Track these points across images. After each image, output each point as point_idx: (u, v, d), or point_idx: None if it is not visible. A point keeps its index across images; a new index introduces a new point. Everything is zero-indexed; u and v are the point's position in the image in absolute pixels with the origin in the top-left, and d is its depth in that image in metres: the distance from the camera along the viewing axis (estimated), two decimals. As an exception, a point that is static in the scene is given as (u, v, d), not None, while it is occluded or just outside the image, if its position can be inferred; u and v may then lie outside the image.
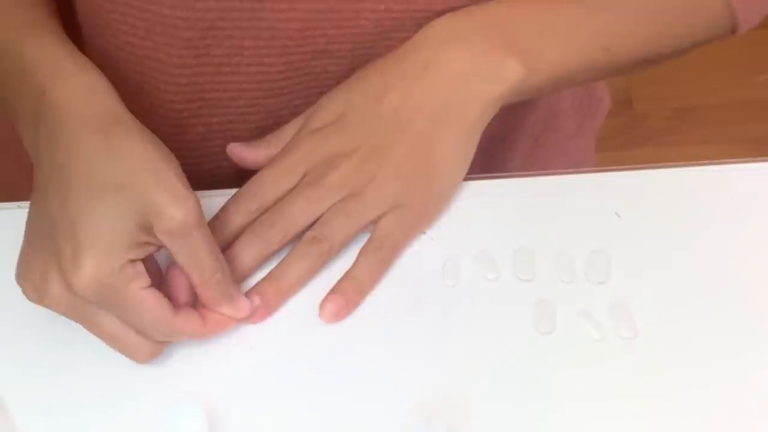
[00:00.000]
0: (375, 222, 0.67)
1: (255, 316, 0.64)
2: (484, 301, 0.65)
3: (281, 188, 0.67)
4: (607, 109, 0.96)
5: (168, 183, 0.58)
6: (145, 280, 0.59)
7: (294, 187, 0.67)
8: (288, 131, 0.71)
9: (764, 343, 0.63)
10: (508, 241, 0.68)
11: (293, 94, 0.73)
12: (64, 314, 0.60)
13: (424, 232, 0.69)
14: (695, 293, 0.66)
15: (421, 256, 0.68)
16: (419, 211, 0.68)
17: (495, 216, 0.70)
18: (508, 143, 0.87)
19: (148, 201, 0.58)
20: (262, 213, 0.67)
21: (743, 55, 1.92)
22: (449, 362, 0.62)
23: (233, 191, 0.68)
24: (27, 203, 0.71)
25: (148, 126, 0.73)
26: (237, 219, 0.66)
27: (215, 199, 0.68)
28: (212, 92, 0.73)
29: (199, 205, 0.59)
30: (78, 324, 0.60)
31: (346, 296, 0.65)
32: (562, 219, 0.70)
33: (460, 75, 0.68)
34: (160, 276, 0.63)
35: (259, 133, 0.73)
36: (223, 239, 0.66)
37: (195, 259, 0.60)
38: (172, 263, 0.62)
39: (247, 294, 0.65)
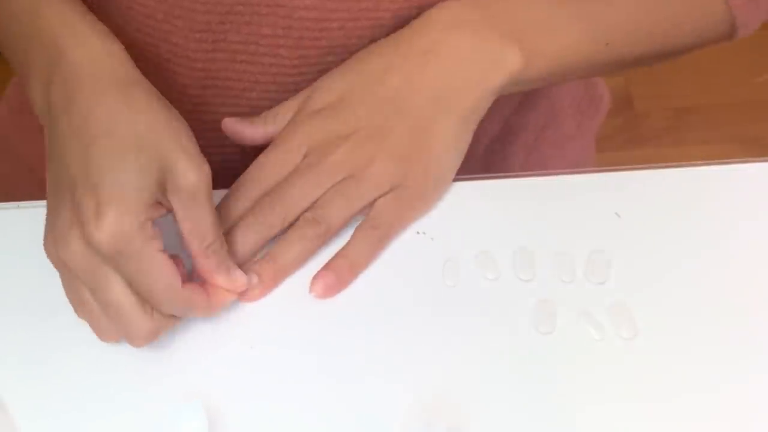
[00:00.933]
0: (372, 203, 0.67)
1: (252, 294, 0.65)
2: (484, 301, 0.65)
3: (282, 172, 0.68)
4: (607, 108, 0.96)
5: (186, 145, 0.60)
6: (161, 243, 0.59)
7: (294, 170, 0.68)
8: (285, 109, 0.71)
9: (764, 343, 0.63)
10: (508, 241, 0.68)
11: None
12: (78, 273, 0.59)
13: (424, 232, 0.69)
14: (695, 293, 0.66)
15: (421, 256, 0.68)
16: (416, 193, 0.68)
17: (495, 216, 0.70)
18: (508, 143, 0.87)
19: (167, 159, 0.59)
20: (263, 196, 0.67)
21: (743, 56, 1.92)
22: (449, 362, 0.62)
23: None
24: (27, 203, 0.71)
25: None
26: (240, 205, 0.67)
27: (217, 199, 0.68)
28: (226, 80, 0.74)
29: (210, 174, 0.61)
30: (85, 302, 0.61)
31: (338, 273, 0.66)
32: (562, 219, 0.70)
33: (460, 61, 0.68)
34: None
35: None
36: (227, 225, 0.66)
37: (199, 226, 0.61)
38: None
39: (246, 273, 0.65)
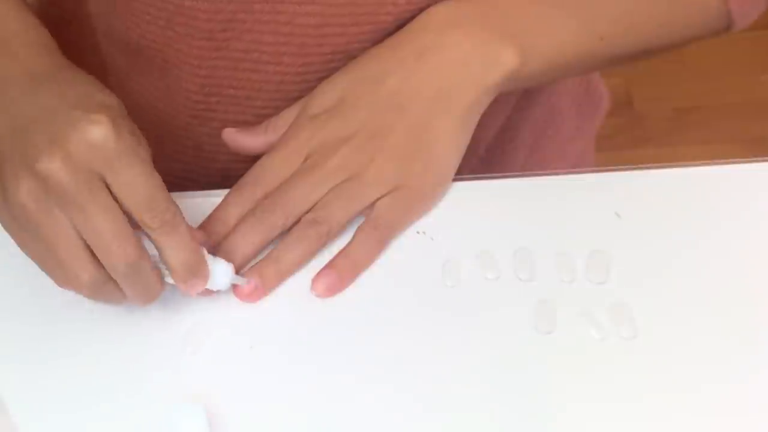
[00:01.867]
0: (373, 204, 0.67)
1: (253, 295, 0.65)
2: (484, 301, 0.65)
3: (282, 174, 0.68)
4: (607, 109, 0.96)
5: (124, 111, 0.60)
6: (109, 194, 0.57)
7: (295, 172, 0.68)
8: (285, 117, 0.71)
9: (764, 343, 0.63)
10: (508, 241, 0.68)
11: None
12: (30, 214, 0.57)
13: (424, 232, 0.69)
14: (695, 293, 0.66)
15: (421, 256, 0.68)
16: (417, 193, 0.69)
17: (495, 216, 0.70)
18: (509, 143, 0.87)
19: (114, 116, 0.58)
20: (264, 199, 0.67)
21: (744, 55, 1.92)
22: (449, 362, 0.62)
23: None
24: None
25: (167, 111, 0.75)
26: (241, 206, 0.67)
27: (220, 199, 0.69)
28: (230, 89, 0.74)
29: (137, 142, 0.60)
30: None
31: (340, 273, 0.66)
32: (562, 219, 0.70)
33: (458, 61, 0.69)
34: None
35: None
36: (228, 227, 0.66)
37: (135, 189, 0.58)
38: None
39: (247, 273, 0.65)
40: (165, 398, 0.61)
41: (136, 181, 0.57)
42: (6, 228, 0.60)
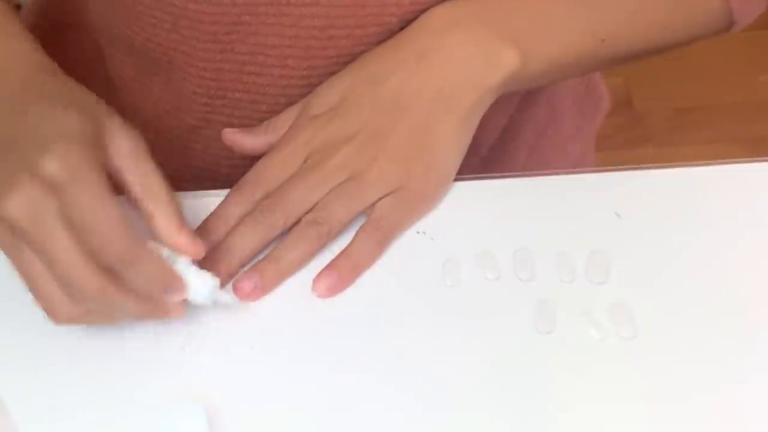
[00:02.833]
0: (374, 204, 0.67)
1: (252, 294, 0.65)
2: (484, 301, 0.65)
3: (283, 174, 0.68)
4: (607, 109, 0.96)
5: (119, 121, 0.60)
6: (106, 181, 0.57)
7: (295, 172, 0.68)
8: (285, 118, 0.71)
9: (764, 343, 0.63)
10: (508, 241, 0.68)
11: None
12: (23, 226, 0.56)
13: (424, 232, 0.69)
14: (695, 293, 0.66)
15: (421, 256, 0.68)
16: (418, 194, 0.69)
17: (495, 216, 0.70)
18: (509, 143, 0.87)
19: (106, 125, 0.59)
20: (264, 198, 0.67)
21: (744, 56, 1.92)
22: (449, 362, 0.62)
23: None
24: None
25: (172, 114, 0.75)
26: (241, 206, 0.67)
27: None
28: (235, 92, 0.74)
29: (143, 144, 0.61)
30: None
31: (341, 273, 0.66)
32: (562, 219, 0.70)
33: (459, 62, 0.69)
34: None
35: None
36: (228, 226, 0.66)
37: (149, 182, 0.60)
38: None
39: (247, 272, 0.65)
40: (165, 398, 0.61)
41: (90, 220, 0.56)
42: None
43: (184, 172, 0.79)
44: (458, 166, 0.70)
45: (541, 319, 0.64)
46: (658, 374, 0.62)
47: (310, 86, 0.72)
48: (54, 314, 0.58)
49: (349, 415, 0.60)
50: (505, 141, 0.87)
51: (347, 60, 0.71)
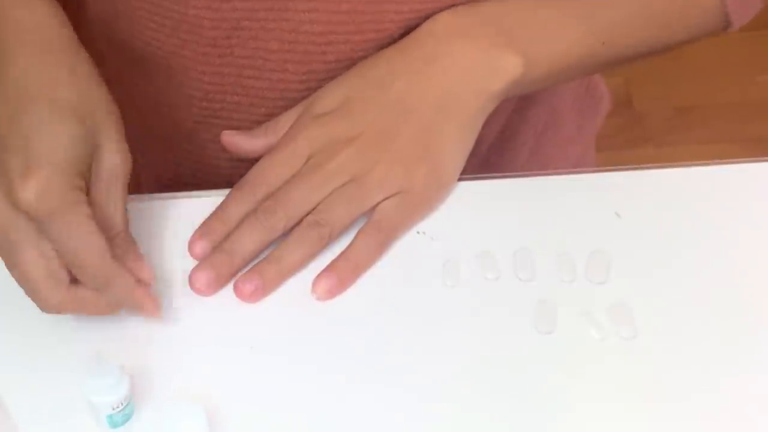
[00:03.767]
0: (375, 206, 0.67)
1: (253, 295, 0.65)
2: (484, 301, 0.65)
3: (285, 174, 0.68)
4: (607, 109, 0.96)
5: (118, 130, 0.61)
6: (90, 210, 0.59)
7: (297, 173, 0.68)
8: (285, 120, 0.71)
9: (764, 343, 0.63)
10: (508, 241, 0.68)
11: None
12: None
13: (424, 232, 0.69)
14: (695, 293, 0.66)
15: (421, 256, 0.68)
16: (419, 197, 0.69)
17: (495, 216, 0.70)
18: (510, 144, 0.87)
19: (99, 136, 0.60)
20: (266, 198, 0.67)
21: (743, 55, 1.92)
22: (449, 362, 0.62)
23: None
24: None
25: (171, 117, 0.74)
26: (242, 207, 0.67)
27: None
28: (234, 95, 0.74)
29: (131, 166, 0.62)
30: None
31: (340, 275, 0.66)
32: (562, 219, 0.70)
33: (463, 69, 0.69)
34: None
35: None
36: (229, 226, 0.66)
37: (111, 210, 0.61)
38: None
39: (248, 273, 0.65)
40: (165, 398, 0.61)
41: (62, 249, 0.58)
42: None
43: (183, 173, 0.79)
44: (460, 170, 0.70)
45: (541, 319, 0.64)
46: (658, 374, 0.62)
47: (308, 90, 0.72)
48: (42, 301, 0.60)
49: (349, 415, 0.60)
50: (504, 141, 0.87)
51: (346, 65, 0.71)
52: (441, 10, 0.70)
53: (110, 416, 0.59)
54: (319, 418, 0.60)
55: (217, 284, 0.65)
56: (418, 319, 0.65)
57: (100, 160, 0.60)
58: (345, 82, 0.70)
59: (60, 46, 0.61)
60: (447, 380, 0.62)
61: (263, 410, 0.61)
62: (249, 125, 0.73)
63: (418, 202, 0.69)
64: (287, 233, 0.67)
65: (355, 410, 0.61)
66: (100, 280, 0.60)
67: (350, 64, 0.71)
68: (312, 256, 0.67)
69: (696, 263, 0.67)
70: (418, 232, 0.69)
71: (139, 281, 0.61)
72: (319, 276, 0.66)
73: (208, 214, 0.68)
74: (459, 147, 0.70)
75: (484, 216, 0.70)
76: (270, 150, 0.70)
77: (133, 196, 0.67)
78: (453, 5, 0.70)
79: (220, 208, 0.67)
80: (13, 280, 0.61)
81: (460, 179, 0.71)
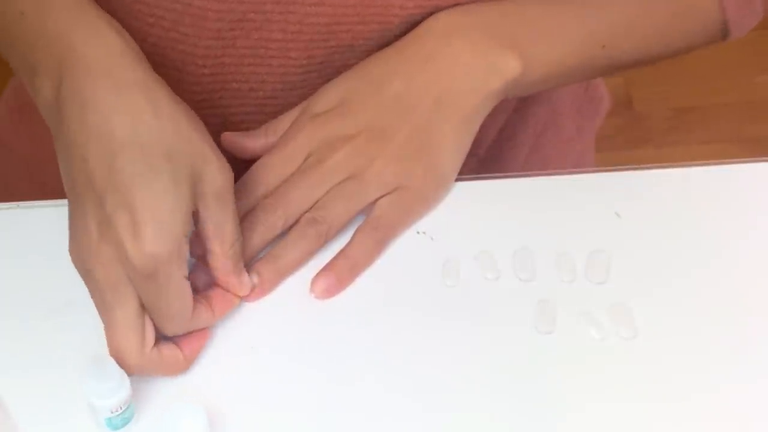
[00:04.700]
0: (373, 204, 0.68)
1: (252, 294, 0.65)
2: (484, 301, 0.65)
3: (284, 174, 0.68)
4: (607, 109, 0.96)
5: (209, 149, 0.60)
6: (187, 268, 0.59)
7: (296, 171, 0.68)
8: (284, 120, 0.71)
9: (764, 343, 0.63)
10: (508, 241, 0.68)
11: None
12: (101, 284, 0.58)
13: (424, 232, 0.69)
14: (695, 293, 0.66)
15: (421, 256, 0.68)
16: (417, 195, 0.69)
17: (495, 216, 0.70)
18: (509, 144, 0.87)
19: (196, 166, 0.59)
20: (264, 197, 0.67)
21: (743, 55, 1.92)
22: (449, 362, 0.62)
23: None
24: (27, 203, 0.71)
25: None
26: (241, 206, 0.67)
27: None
28: (233, 83, 0.74)
29: (233, 174, 0.61)
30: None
31: (339, 274, 0.66)
32: (562, 219, 0.70)
33: (462, 67, 0.69)
34: None
35: None
36: None
37: (223, 228, 0.61)
38: None
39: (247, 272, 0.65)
40: (165, 398, 0.61)
41: (158, 307, 0.59)
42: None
43: None
44: (458, 168, 0.71)
45: (541, 319, 0.64)
46: (657, 374, 0.62)
47: (308, 73, 0.72)
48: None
49: (349, 415, 0.60)
50: (504, 141, 0.87)
51: (346, 50, 0.71)
52: (445, 7, 0.70)
53: (109, 419, 0.59)
54: (320, 418, 0.60)
55: (218, 283, 0.65)
56: (417, 319, 0.65)
57: (204, 186, 0.59)
58: (343, 81, 0.70)
59: (134, 82, 0.59)
60: (446, 380, 0.62)
61: (264, 410, 0.61)
62: (248, 109, 0.73)
63: (415, 200, 0.69)
64: (285, 232, 0.67)
65: (355, 410, 0.60)
66: (176, 332, 0.61)
67: (350, 50, 0.71)
68: (310, 253, 0.67)
69: (696, 263, 0.67)
70: (418, 232, 0.69)
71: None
72: (317, 275, 0.66)
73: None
74: (457, 144, 0.70)
75: (484, 216, 0.70)
76: (269, 150, 0.70)
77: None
78: (456, 4, 0.70)
79: None
80: (12, 280, 0.62)
81: (460, 179, 0.71)
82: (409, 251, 0.68)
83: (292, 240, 0.66)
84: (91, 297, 0.60)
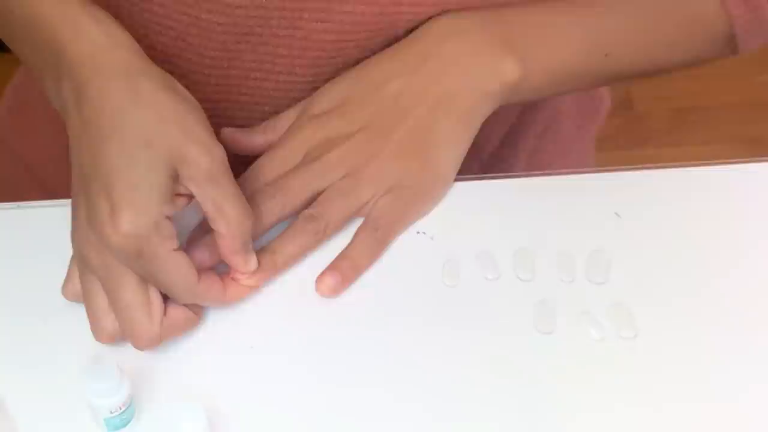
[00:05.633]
0: (372, 203, 0.68)
1: (248, 282, 0.65)
2: (484, 301, 0.65)
3: (282, 171, 0.68)
4: (608, 109, 0.96)
5: (194, 133, 0.60)
6: (176, 241, 0.60)
7: (295, 167, 0.68)
8: (285, 119, 0.71)
9: (764, 343, 0.63)
10: (508, 241, 0.68)
11: None
12: (95, 269, 0.60)
13: (424, 232, 0.69)
14: (695, 293, 0.66)
15: (421, 256, 0.68)
16: (416, 193, 0.69)
17: (495, 216, 0.70)
18: (510, 147, 0.87)
19: (177, 150, 0.59)
20: None
21: (743, 55, 1.91)
22: (449, 362, 0.62)
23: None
24: (27, 203, 0.71)
25: None
26: None
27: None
28: (239, 95, 0.74)
29: (224, 155, 0.61)
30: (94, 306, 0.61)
31: (342, 273, 0.66)
32: (562, 219, 0.70)
33: (460, 67, 0.69)
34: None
35: None
36: None
37: (222, 207, 0.61)
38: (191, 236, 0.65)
39: None
40: (165, 398, 0.61)
41: (157, 280, 0.60)
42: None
43: None
44: (458, 167, 0.71)
45: (541, 319, 0.64)
46: (657, 374, 0.62)
47: (314, 89, 0.72)
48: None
49: (349, 415, 0.60)
50: (505, 145, 0.87)
51: (354, 65, 0.72)
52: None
53: (108, 419, 0.59)
54: (320, 418, 0.60)
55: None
56: (418, 319, 0.65)
57: (189, 170, 0.59)
58: (342, 82, 0.71)
59: (117, 74, 0.60)
60: (446, 380, 0.62)
61: (264, 410, 0.61)
62: (252, 122, 0.74)
63: (413, 196, 0.69)
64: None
65: (355, 410, 0.61)
66: (191, 301, 0.62)
67: (358, 62, 0.72)
68: (308, 249, 0.67)
69: (696, 263, 0.67)
70: (418, 232, 0.69)
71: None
72: (321, 275, 0.66)
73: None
74: (455, 144, 0.70)
75: (484, 216, 0.70)
76: (269, 149, 0.70)
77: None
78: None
79: None
80: (12, 280, 0.62)
81: (460, 179, 0.71)
82: (409, 251, 0.68)
83: (290, 235, 0.66)
84: (101, 283, 0.61)
